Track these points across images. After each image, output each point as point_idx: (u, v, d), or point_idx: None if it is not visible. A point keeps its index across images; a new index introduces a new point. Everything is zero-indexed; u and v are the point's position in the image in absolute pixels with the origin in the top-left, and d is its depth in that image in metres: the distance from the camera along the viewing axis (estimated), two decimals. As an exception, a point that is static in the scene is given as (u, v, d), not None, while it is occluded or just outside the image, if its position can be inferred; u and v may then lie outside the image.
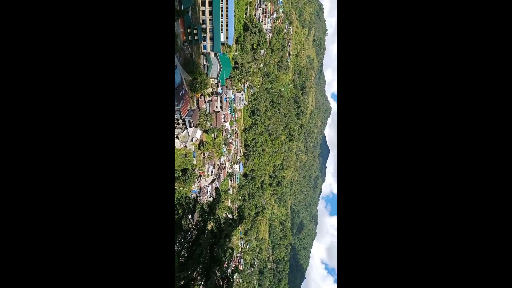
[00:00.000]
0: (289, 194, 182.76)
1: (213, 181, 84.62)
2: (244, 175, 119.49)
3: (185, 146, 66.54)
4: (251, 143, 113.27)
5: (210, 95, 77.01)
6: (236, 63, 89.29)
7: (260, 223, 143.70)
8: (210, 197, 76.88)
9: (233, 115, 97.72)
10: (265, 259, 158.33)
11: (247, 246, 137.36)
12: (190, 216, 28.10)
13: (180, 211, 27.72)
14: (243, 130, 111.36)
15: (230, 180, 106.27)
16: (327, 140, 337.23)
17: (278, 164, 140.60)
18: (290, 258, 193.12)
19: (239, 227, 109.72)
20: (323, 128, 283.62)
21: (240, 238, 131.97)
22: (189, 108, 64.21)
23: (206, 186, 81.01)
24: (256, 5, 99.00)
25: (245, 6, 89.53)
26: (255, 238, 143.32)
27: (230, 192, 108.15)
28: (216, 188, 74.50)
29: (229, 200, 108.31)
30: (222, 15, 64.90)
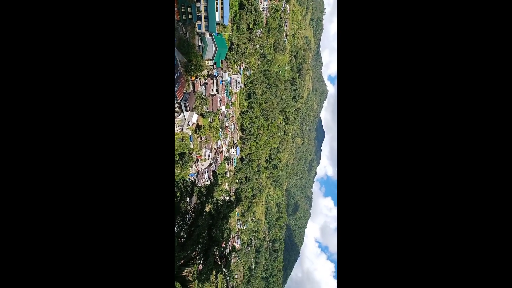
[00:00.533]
0: (285, 177, 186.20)
1: (210, 164, 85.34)
2: (241, 158, 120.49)
3: (182, 130, 66.18)
4: (247, 127, 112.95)
5: (206, 77, 75.31)
6: (231, 44, 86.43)
7: (256, 205, 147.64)
8: (207, 181, 78.03)
9: (230, 99, 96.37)
10: (261, 238, 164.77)
11: (244, 227, 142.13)
12: (188, 199, 28.75)
13: (178, 194, 28.29)
14: (240, 114, 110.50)
15: (227, 164, 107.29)
16: (322, 123, 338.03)
17: (275, 147, 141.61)
18: (286, 238, 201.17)
19: (237, 209, 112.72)
20: (319, 111, 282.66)
21: (238, 219, 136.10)
22: (184, 91, 63.01)
23: (204, 169, 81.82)
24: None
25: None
26: (252, 219, 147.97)
27: (227, 175, 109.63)
28: (214, 172, 75.45)
29: (227, 183, 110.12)
30: (216, -8, 61.74)
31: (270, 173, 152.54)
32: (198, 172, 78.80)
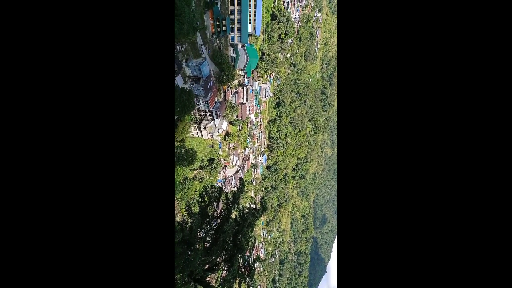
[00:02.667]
0: (312, 188, 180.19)
1: (237, 171, 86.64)
2: (268, 167, 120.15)
3: (212, 137, 68.69)
4: (275, 135, 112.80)
5: (237, 86, 77.72)
6: (262, 53, 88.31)
7: (282, 215, 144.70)
8: (234, 187, 79.13)
9: (258, 107, 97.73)
10: (286, 250, 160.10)
11: (269, 237, 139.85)
12: (215, 204, 29.42)
13: (206, 199, 29.11)
14: (268, 122, 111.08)
15: (254, 172, 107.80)
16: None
17: (302, 157, 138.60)
18: (312, 251, 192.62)
19: (262, 218, 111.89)
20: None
21: (262, 228, 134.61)
22: (216, 99, 65.70)
23: (231, 176, 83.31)
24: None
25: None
26: (277, 229, 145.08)
27: (254, 183, 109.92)
28: (240, 179, 76.39)
29: (252, 191, 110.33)
30: (250, 5, 64.12)
31: (297, 183, 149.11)
32: (225, 178, 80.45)
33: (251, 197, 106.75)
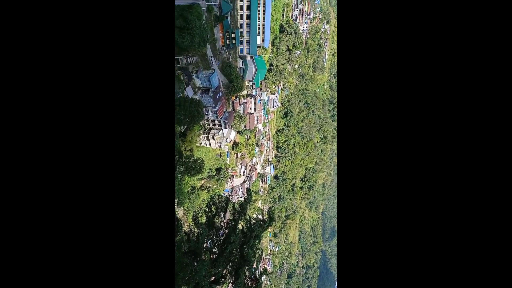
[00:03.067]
0: (321, 199, 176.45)
1: (244, 181, 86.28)
2: (275, 177, 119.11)
3: (220, 146, 69.21)
4: (283, 145, 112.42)
5: (245, 97, 78.77)
6: (271, 65, 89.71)
7: (290, 226, 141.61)
8: (241, 197, 78.57)
9: (266, 117, 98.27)
10: (294, 263, 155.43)
11: (276, 249, 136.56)
12: (222, 215, 29.21)
13: (213, 209, 28.98)
14: (276, 132, 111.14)
15: (261, 182, 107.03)
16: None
17: (311, 167, 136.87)
18: (321, 265, 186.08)
19: (269, 229, 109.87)
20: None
21: (270, 240, 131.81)
22: (225, 110, 66.65)
23: (238, 186, 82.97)
24: (293, 6, 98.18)
25: (282, 7, 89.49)
26: (285, 241, 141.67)
27: (261, 193, 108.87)
28: (248, 189, 75.84)
29: (260, 201, 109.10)
30: (259, 18, 65.93)
31: (305, 193, 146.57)
32: (232, 188, 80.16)
33: (259, 207, 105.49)
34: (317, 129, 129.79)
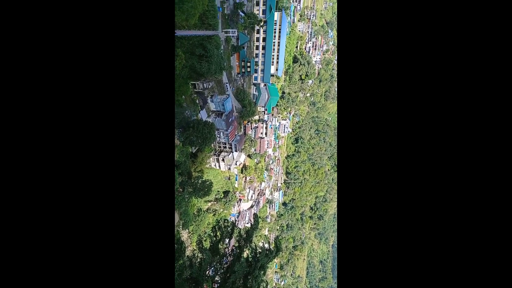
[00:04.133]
0: (332, 231, 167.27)
1: (252, 206, 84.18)
2: (284, 203, 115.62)
3: (229, 169, 69.18)
4: (292, 170, 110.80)
5: (257, 122, 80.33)
6: (283, 92, 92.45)
7: (297, 258, 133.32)
8: (248, 223, 76.07)
9: (277, 142, 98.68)
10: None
11: (282, 283, 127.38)
12: (227, 240, 28.13)
13: (218, 234, 28.06)
14: (286, 157, 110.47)
15: (269, 208, 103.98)
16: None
17: (321, 196, 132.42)
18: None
19: (275, 260, 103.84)
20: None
21: (275, 272, 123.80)
22: (236, 133, 67.86)
23: (245, 211, 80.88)
24: (307, 39, 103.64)
25: (296, 40, 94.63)
26: (291, 274, 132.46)
27: (268, 220, 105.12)
28: (255, 214, 73.66)
29: (267, 229, 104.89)
30: (273, 49, 69.76)
31: (314, 223, 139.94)
32: (239, 213, 78.15)
33: (265, 235, 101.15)
34: (328, 157, 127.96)
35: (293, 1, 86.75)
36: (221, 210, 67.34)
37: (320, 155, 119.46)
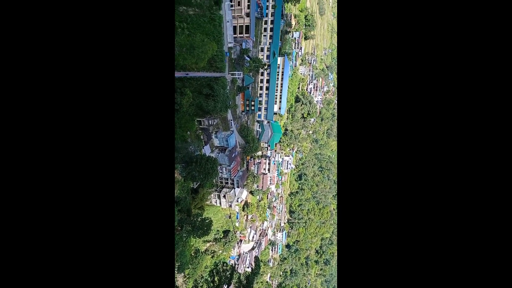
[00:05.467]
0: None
1: (253, 248, 78.76)
2: (287, 246, 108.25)
3: (230, 206, 66.82)
4: (296, 209, 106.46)
5: (259, 157, 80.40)
6: (286, 129, 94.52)
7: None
8: (248, 267, 70.18)
9: (280, 178, 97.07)
10: None
11: None
12: (225, 287, 25.50)
13: (216, 279, 25.61)
14: (289, 195, 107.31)
15: (272, 250, 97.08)
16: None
17: (327, 238, 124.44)
18: None
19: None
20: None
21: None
22: (239, 169, 67.41)
23: (246, 253, 75.45)
24: (308, 81, 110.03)
25: (298, 82, 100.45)
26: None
27: (271, 264, 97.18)
28: (256, 258, 68.47)
29: (269, 274, 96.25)
30: (277, 90, 73.66)
31: (321, 269, 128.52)
32: (239, 255, 72.80)
33: (267, 282, 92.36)
34: (333, 195, 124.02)
35: (295, 48, 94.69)
36: (220, 251, 62.96)
37: (325, 193, 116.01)
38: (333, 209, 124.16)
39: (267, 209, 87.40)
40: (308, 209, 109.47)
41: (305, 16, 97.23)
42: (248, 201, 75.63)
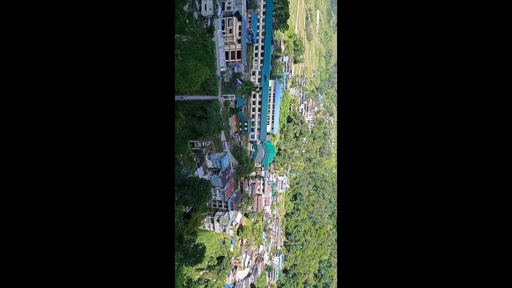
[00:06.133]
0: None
1: (249, 274, 74.81)
2: (285, 270, 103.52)
3: (224, 230, 64.38)
4: (292, 231, 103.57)
5: (254, 178, 79.48)
6: (279, 149, 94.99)
7: None
8: (244, 296, 66.02)
9: (275, 199, 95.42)
10: None
11: None
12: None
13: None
14: (284, 216, 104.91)
15: (268, 276, 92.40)
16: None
17: (325, 260, 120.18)
18: None
19: None
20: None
21: None
22: (232, 190, 66.09)
23: (241, 280, 71.45)
24: (299, 101, 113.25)
25: (289, 103, 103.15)
26: None
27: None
28: (252, 285, 64.93)
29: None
30: (269, 111, 75.13)
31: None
32: (234, 283, 68.77)
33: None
34: (329, 215, 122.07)
35: (285, 71, 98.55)
36: (214, 280, 59.43)
37: (321, 213, 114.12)
38: (330, 229, 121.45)
39: (263, 232, 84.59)
40: (305, 230, 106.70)
41: (294, 42, 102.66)
42: (243, 224, 73.25)
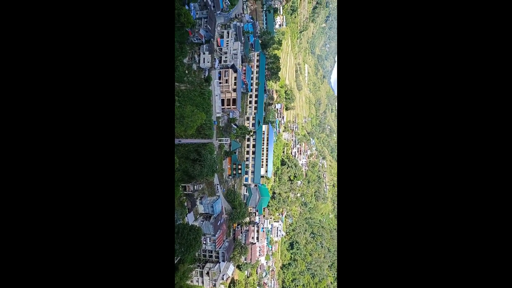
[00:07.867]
0: None
1: None
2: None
3: (215, 285, 57.76)
4: (290, 285, 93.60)
5: (247, 224, 75.39)
6: (274, 193, 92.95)
7: None
8: None
9: (270, 248, 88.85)
10: None
11: None
12: None
13: None
14: (281, 267, 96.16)
15: None
16: None
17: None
18: None
19: None
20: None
21: None
22: (224, 238, 61.81)
23: None
24: (292, 145, 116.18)
25: (283, 146, 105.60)
26: None
27: None
28: None
29: None
30: (263, 154, 76.18)
31: None
32: None
33: None
34: (328, 266, 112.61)
35: (277, 117, 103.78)
36: None
37: (320, 264, 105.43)
38: (331, 282, 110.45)
39: (257, 287, 76.06)
40: (303, 284, 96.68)
41: (285, 91, 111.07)
42: (235, 278, 66.26)
